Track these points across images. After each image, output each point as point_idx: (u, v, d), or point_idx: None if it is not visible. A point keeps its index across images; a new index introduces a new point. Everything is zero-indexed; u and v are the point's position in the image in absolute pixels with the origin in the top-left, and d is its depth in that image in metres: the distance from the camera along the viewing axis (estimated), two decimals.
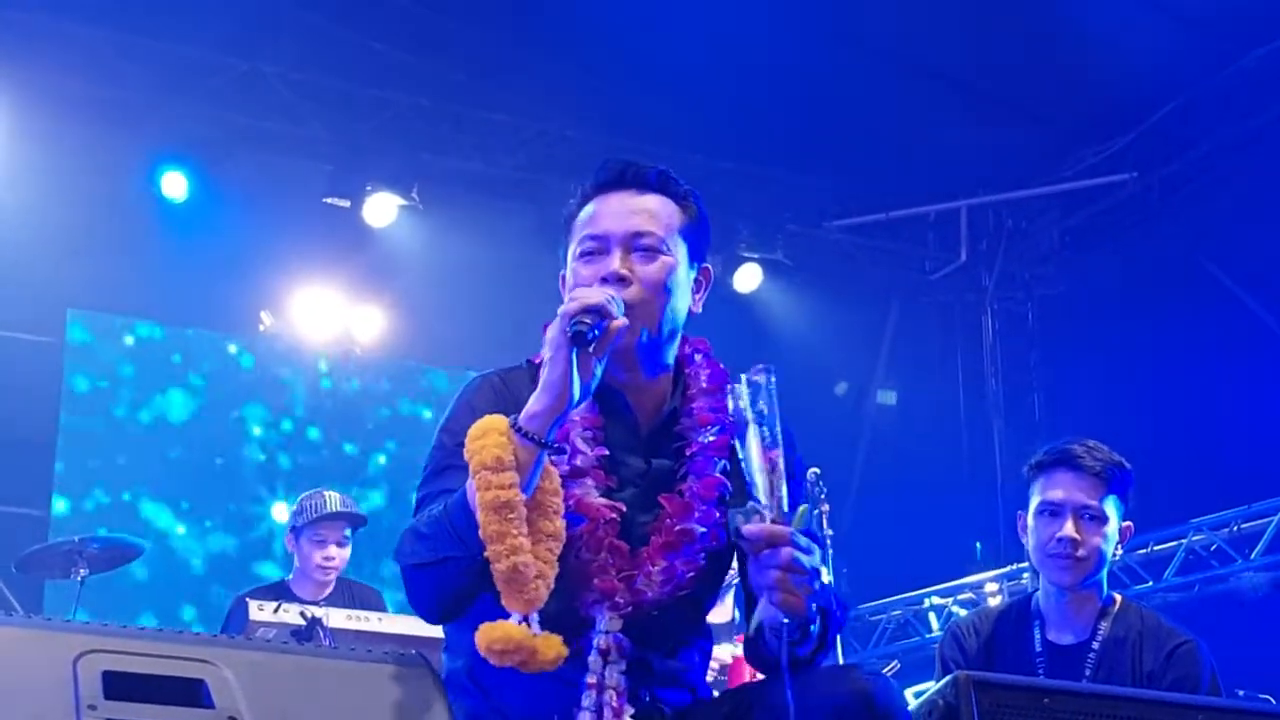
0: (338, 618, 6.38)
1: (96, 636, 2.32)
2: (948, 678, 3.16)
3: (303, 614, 6.25)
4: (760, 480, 2.77)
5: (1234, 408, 10.45)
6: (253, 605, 6.42)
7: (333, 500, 7.27)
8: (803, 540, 2.76)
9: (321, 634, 6.13)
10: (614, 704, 2.95)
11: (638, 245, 3.11)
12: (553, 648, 2.75)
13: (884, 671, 9.41)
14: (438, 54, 10.38)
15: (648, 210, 3.16)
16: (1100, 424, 11.36)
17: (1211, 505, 10.10)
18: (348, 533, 7.29)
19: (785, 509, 2.77)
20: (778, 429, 2.82)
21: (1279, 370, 10.47)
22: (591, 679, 2.97)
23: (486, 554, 2.74)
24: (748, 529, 2.75)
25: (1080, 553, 4.28)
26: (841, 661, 8.39)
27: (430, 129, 10.80)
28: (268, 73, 10.24)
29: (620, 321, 2.89)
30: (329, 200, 10.68)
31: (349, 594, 7.27)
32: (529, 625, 2.75)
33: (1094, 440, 4.43)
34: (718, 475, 3.12)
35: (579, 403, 2.88)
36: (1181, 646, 4.29)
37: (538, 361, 3.14)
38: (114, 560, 7.66)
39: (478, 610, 2.94)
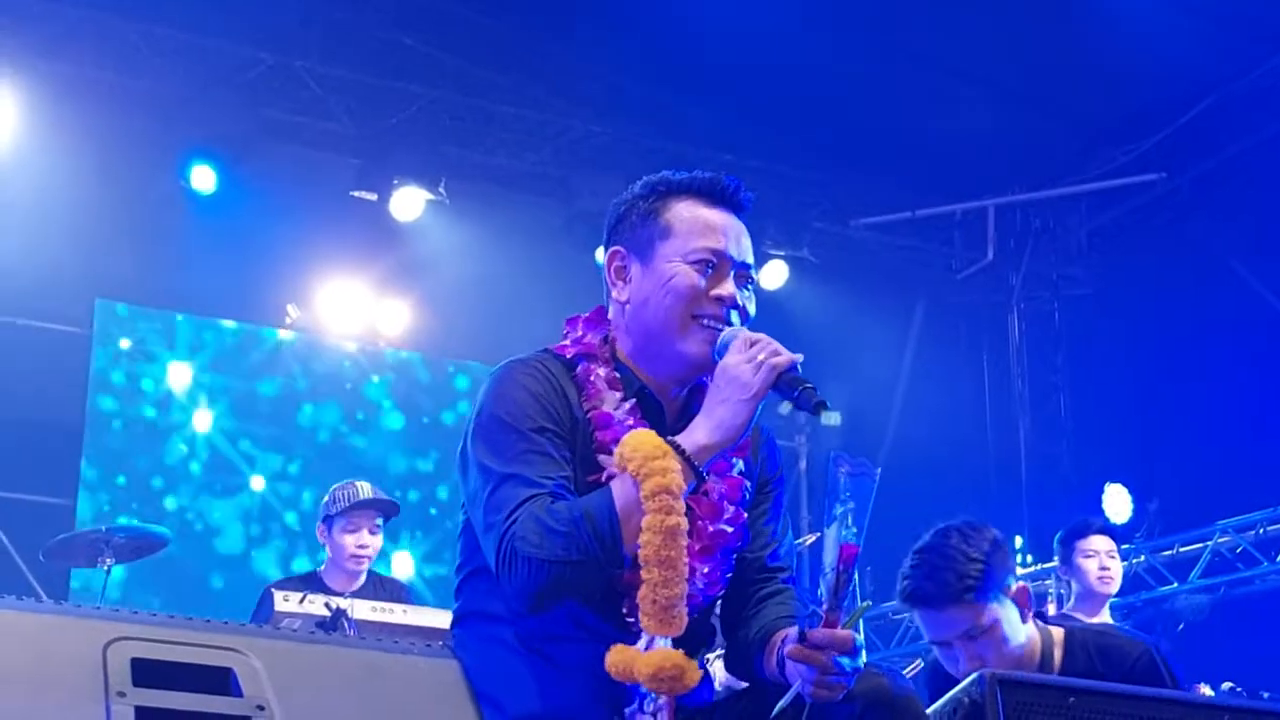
0: (362, 609, 6.38)
1: (126, 624, 2.33)
2: (973, 675, 3.16)
3: (328, 605, 6.26)
4: (829, 575, 2.80)
5: (1260, 409, 10.42)
6: (278, 595, 6.42)
7: (364, 489, 7.26)
8: (860, 639, 2.82)
9: (346, 625, 6.14)
10: (669, 709, 2.97)
11: (745, 275, 3.22)
12: (697, 670, 2.88)
13: (908, 671, 9.37)
14: (466, 49, 10.40)
15: (748, 240, 3.26)
16: (1126, 425, 11.37)
17: (1236, 507, 10.07)
18: (380, 521, 7.28)
19: (844, 606, 2.81)
20: (864, 524, 2.85)
21: None
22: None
23: (649, 577, 2.83)
24: (814, 635, 2.79)
25: (992, 663, 4.00)
26: (865, 659, 8.38)
27: (458, 124, 10.82)
28: (297, 67, 10.26)
29: None
30: (356, 194, 10.70)
31: (379, 588, 7.26)
32: (671, 647, 2.87)
33: (939, 542, 4.06)
34: (737, 476, 3.16)
35: (735, 448, 3.03)
36: (1138, 661, 4.15)
37: (569, 355, 3.16)
38: (139, 550, 7.67)
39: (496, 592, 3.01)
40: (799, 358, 2.99)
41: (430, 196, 10.76)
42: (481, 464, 3.04)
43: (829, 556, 2.80)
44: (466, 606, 3.19)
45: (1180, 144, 10.96)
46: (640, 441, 2.90)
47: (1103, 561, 7.33)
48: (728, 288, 3.14)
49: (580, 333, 3.22)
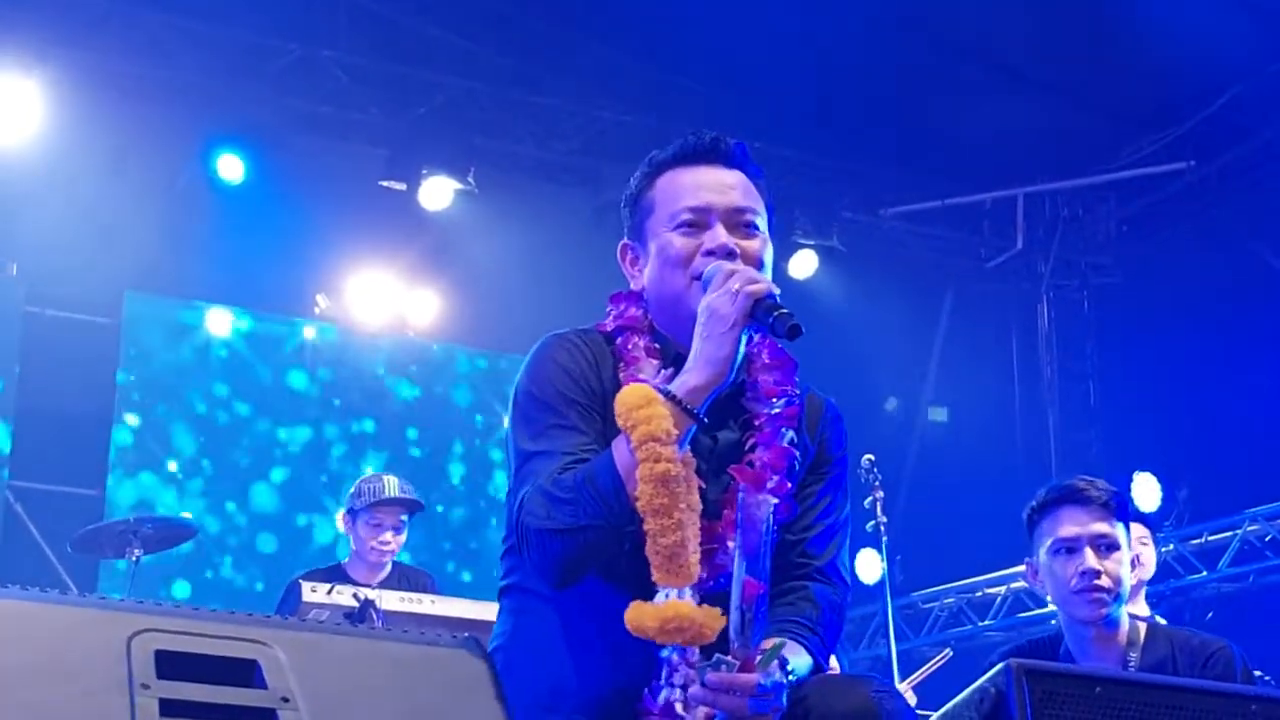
0: (390, 600, 6.40)
1: (150, 616, 2.32)
2: (999, 665, 3.14)
3: (356, 596, 6.28)
4: (735, 615, 2.76)
5: None
6: (306, 587, 6.44)
7: (391, 485, 7.25)
8: (769, 681, 2.76)
9: (374, 616, 6.15)
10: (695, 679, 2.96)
11: (739, 220, 3.13)
12: (717, 619, 2.80)
13: (937, 660, 9.29)
14: (494, 38, 10.41)
15: (742, 185, 3.18)
16: (1155, 413, 11.32)
17: (1266, 496, 10.04)
18: (404, 518, 7.27)
19: (751, 648, 2.77)
20: (766, 563, 2.81)
21: None
22: (675, 655, 2.94)
23: (648, 527, 2.78)
24: (710, 678, 2.74)
25: (1104, 583, 4.24)
26: (894, 649, 8.37)
27: (486, 113, 10.82)
28: (324, 57, 10.28)
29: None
30: (385, 184, 10.71)
31: (403, 578, 7.28)
32: (688, 599, 2.80)
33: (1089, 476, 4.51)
34: (785, 445, 3.10)
35: (729, 383, 2.93)
36: (1215, 654, 4.23)
37: (610, 329, 3.16)
38: (168, 541, 7.69)
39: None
40: (776, 289, 2.93)
41: (459, 186, 10.76)
42: (514, 442, 3.08)
43: (734, 596, 2.76)
44: (508, 579, 3.20)
45: (1209, 133, 10.93)
46: (627, 394, 2.87)
47: (1134, 549, 7.32)
48: (716, 238, 3.08)
49: (623, 307, 3.20)
